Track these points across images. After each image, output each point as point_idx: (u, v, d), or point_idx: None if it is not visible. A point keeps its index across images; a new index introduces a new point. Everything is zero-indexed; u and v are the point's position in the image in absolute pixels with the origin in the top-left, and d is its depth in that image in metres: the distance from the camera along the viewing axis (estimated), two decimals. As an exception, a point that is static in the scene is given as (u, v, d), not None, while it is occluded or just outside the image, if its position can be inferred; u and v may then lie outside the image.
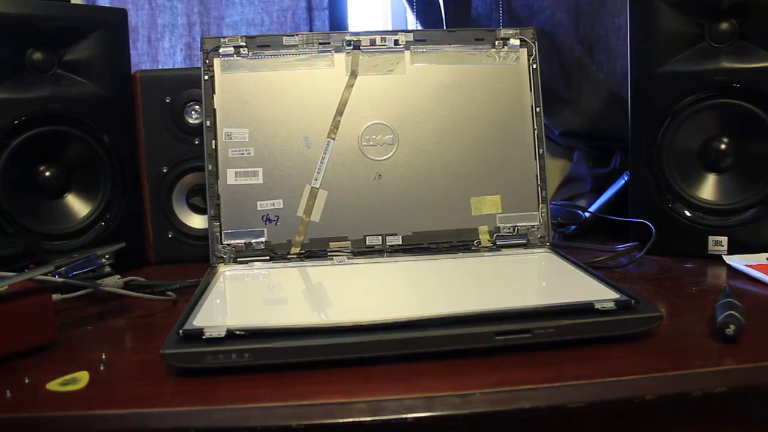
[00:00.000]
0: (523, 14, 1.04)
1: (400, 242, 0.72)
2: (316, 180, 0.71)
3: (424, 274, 0.65)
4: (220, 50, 0.72)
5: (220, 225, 0.71)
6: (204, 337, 0.46)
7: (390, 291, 0.61)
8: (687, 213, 0.77)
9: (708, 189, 0.78)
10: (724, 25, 0.75)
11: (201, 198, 0.82)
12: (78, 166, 0.77)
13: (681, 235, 0.77)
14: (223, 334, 0.46)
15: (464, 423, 0.42)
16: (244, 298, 0.58)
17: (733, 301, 0.52)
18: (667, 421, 0.47)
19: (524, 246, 0.73)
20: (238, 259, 0.70)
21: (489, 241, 0.73)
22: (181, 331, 0.47)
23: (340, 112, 0.72)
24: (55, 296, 0.62)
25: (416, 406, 0.41)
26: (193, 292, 0.59)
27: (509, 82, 0.75)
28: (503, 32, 0.75)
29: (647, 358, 0.47)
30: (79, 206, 0.77)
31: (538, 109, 0.74)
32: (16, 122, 0.72)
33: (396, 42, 0.74)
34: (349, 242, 0.71)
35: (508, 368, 0.46)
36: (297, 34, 0.73)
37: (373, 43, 0.74)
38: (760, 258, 0.71)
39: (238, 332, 0.46)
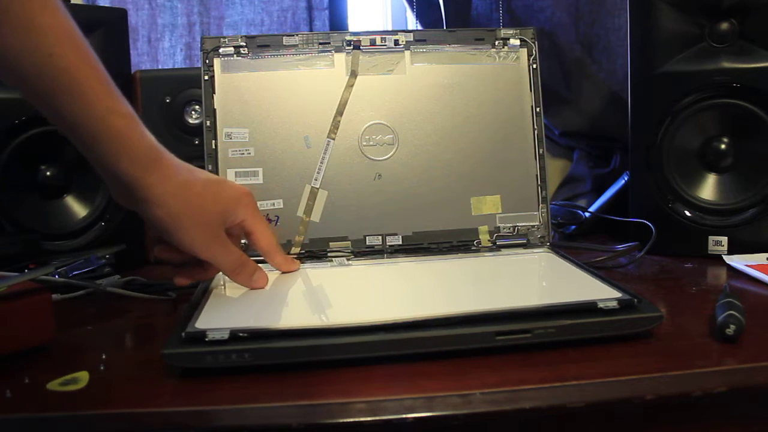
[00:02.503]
0: (523, 14, 1.04)
1: (400, 242, 0.72)
2: (316, 180, 0.71)
3: (424, 274, 0.65)
4: (220, 50, 0.72)
5: (220, 225, 0.70)
6: (207, 339, 0.46)
7: (390, 291, 0.61)
8: (687, 213, 0.77)
9: (708, 189, 0.78)
10: (724, 25, 0.75)
11: (201, 198, 0.82)
12: (78, 166, 0.77)
13: (681, 235, 0.77)
14: (226, 336, 0.46)
15: (464, 423, 0.42)
16: (245, 299, 0.58)
17: (733, 301, 0.52)
18: (667, 421, 0.47)
19: (524, 246, 0.73)
20: (238, 259, 0.70)
21: (489, 241, 0.73)
22: (183, 334, 0.47)
23: (340, 112, 0.72)
24: (55, 296, 0.62)
25: (416, 406, 0.41)
26: (193, 293, 0.59)
27: (509, 82, 0.75)
28: (503, 32, 0.75)
29: (647, 358, 0.47)
30: (79, 206, 0.77)
31: (538, 109, 0.74)
32: (16, 122, 0.72)
33: (396, 42, 0.74)
34: (349, 242, 0.71)
35: (508, 368, 0.45)
36: (297, 34, 0.73)
37: (373, 43, 0.74)
38: (760, 258, 0.71)
39: (241, 334, 0.46)
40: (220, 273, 0.64)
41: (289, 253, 0.71)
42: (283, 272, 0.64)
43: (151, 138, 0.52)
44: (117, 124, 0.49)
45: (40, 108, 0.48)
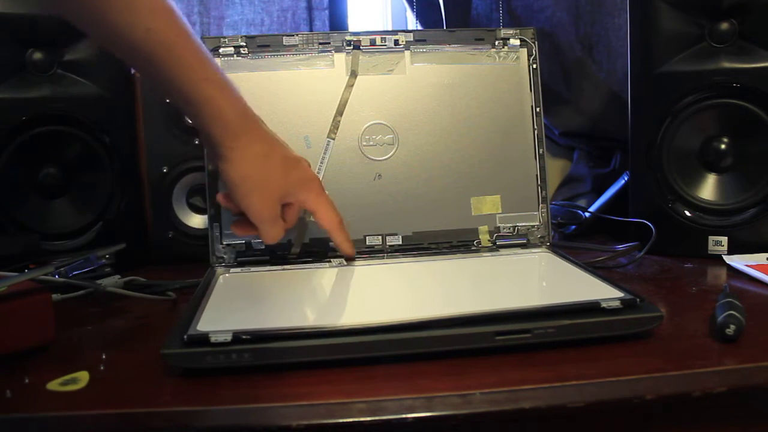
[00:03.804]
0: (523, 14, 1.04)
1: (400, 242, 0.72)
2: (316, 180, 0.71)
3: (424, 274, 0.65)
4: (220, 50, 0.72)
5: (220, 225, 0.70)
6: (211, 341, 0.46)
7: (390, 292, 0.61)
8: (687, 213, 0.77)
9: (708, 189, 0.78)
10: (724, 25, 0.75)
11: (201, 198, 0.82)
12: (78, 166, 0.77)
13: (681, 235, 0.77)
14: (229, 338, 0.46)
15: (464, 423, 0.42)
16: (245, 300, 0.58)
17: (733, 301, 0.52)
18: (667, 421, 0.47)
19: (524, 246, 0.73)
20: (238, 260, 0.70)
21: (489, 241, 0.73)
22: (185, 337, 0.46)
23: (340, 112, 0.72)
24: (55, 296, 0.62)
25: (416, 406, 0.41)
26: (193, 292, 0.59)
27: (509, 82, 0.75)
28: (503, 32, 0.75)
29: (647, 358, 0.47)
30: (79, 206, 0.77)
31: (538, 109, 0.74)
32: (16, 122, 0.72)
33: (396, 42, 0.74)
34: (349, 242, 0.71)
35: (508, 368, 0.46)
36: (297, 34, 0.73)
37: (373, 43, 0.74)
38: (760, 258, 0.71)
39: (244, 336, 0.46)
40: (222, 275, 0.65)
41: (289, 253, 0.71)
42: (345, 253, 0.68)
43: (244, 107, 0.58)
44: (209, 92, 0.54)
45: (143, 76, 0.55)
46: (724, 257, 0.73)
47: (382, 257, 0.70)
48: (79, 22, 0.51)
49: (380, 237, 0.72)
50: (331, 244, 0.71)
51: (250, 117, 0.58)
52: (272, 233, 0.61)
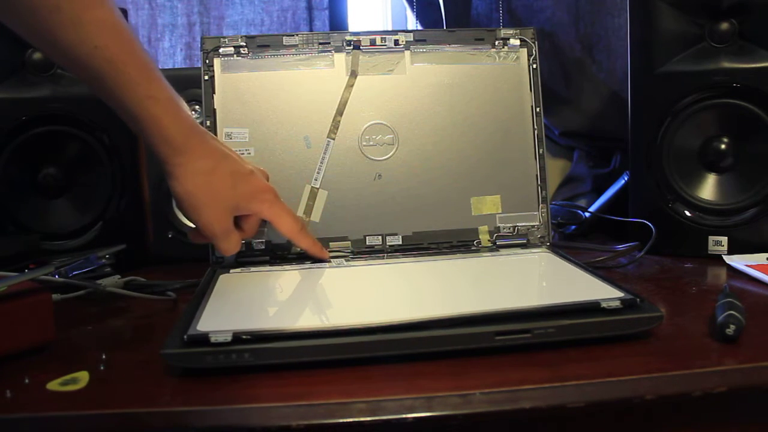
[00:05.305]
0: (523, 14, 1.04)
1: (400, 242, 0.72)
2: (316, 180, 0.71)
3: (424, 274, 0.65)
4: (220, 50, 0.72)
5: (220, 225, 0.70)
6: (211, 341, 0.46)
7: (390, 292, 0.61)
8: (687, 213, 0.77)
9: (708, 189, 0.78)
10: (724, 25, 0.75)
11: (201, 198, 0.82)
12: (78, 166, 0.77)
13: (681, 235, 0.77)
14: (229, 338, 0.46)
15: (464, 423, 0.42)
16: (245, 300, 0.58)
17: (733, 301, 0.52)
18: (667, 421, 0.47)
19: (524, 246, 0.73)
20: (238, 260, 0.70)
21: (489, 241, 0.73)
22: (186, 337, 0.46)
23: (340, 112, 0.72)
24: (55, 296, 0.62)
25: (416, 406, 0.41)
26: (193, 292, 0.59)
27: (509, 82, 0.75)
28: (503, 32, 0.75)
29: (647, 358, 0.47)
30: (79, 206, 0.77)
31: (538, 109, 0.74)
32: (16, 122, 0.72)
33: (396, 42, 0.74)
34: (349, 242, 0.71)
35: (508, 368, 0.46)
36: (297, 34, 0.73)
37: (373, 43, 0.74)
38: (760, 258, 0.71)
39: (244, 336, 0.46)
40: (222, 275, 0.65)
41: (289, 253, 0.71)
42: (316, 257, 0.67)
43: (189, 124, 0.57)
44: (153, 110, 0.54)
45: (92, 91, 0.54)
46: (724, 257, 0.73)
47: (382, 257, 0.70)
48: (27, 36, 0.51)
49: (380, 237, 0.72)
50: (331, 244, 0.71)
51: (196, 133, 0.58)
52: (225, 246, 0.61)
